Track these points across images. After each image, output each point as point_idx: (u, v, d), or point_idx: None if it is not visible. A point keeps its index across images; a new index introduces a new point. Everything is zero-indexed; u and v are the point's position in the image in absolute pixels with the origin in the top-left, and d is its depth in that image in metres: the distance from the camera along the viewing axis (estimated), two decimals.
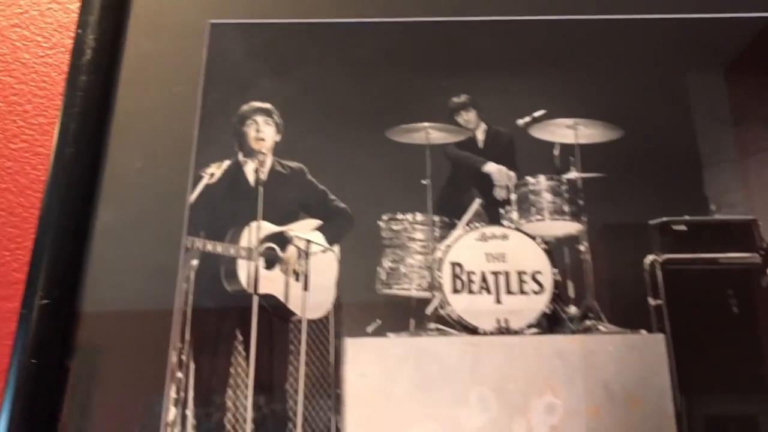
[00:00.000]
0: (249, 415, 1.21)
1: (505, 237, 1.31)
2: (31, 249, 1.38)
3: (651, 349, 1.22)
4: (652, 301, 1.25)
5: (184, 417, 1.21)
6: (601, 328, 1.25)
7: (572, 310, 1.27)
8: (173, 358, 1.24)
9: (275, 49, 1.48)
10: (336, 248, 1.31)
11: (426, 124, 1.38)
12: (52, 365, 1.23)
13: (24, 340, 1.24)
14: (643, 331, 1.23)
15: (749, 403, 1.20)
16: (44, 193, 1.33)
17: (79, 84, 1.41)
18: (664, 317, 1.24)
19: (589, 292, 1.27)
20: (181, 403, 1.21)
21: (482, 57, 1.44)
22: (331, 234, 1.33)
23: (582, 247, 1.30)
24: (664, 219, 1.31)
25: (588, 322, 1.26)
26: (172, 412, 1.21)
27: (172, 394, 1.22)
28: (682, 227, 1.30)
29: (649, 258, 1.28)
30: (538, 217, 1.34)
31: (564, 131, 1.38)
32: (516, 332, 1.25)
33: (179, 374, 1.24)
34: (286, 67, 1.46)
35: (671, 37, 1.42)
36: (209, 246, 1.31)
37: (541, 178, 1.36)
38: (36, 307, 1.25)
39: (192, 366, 1.24)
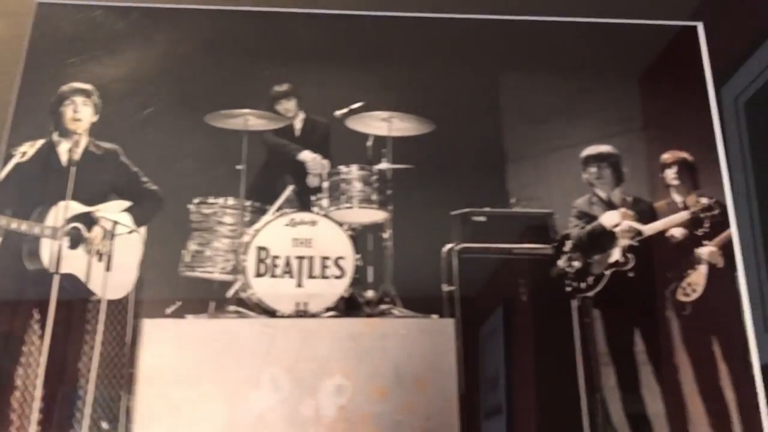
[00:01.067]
0: (38, 393, 1.20)
1: (313, 223, 1.34)
2: None
3: (441, 332, 1.27)
4: (446, 287, 1.31)
5: None
6: (395, 312, 1.30)
7: (370, 294, 1.31)
8: None
9: (101, 30, 1.47)
10: (143, 230, 1.32)
11: (246, 110, 1.40)
12: None
13: None
14: (435, 316, 1.29)
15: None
16: None
17: None
18: (455, 303, 1.30)
19: (388, 278, 1.32)
20: None
21: (307, 49, 1.48)
22: (140, 215, 1.33)
23: (385, 235, 1.35)
24: (465, 210, 1.37)
25: (384, 307, 1.30)
26: None
27: None
28: (482, 218, 1.37)
29: (447, 246, 1.33)
30: (348, 204, 1.38)
31: (379, 124, 1.42)
32: (314, 315, 1.28)
33: None
34: (110, 49, 1.46)
35: (486, 38, 1.48)
36: (14, 224, 1.30)
37: (353, 168, 1.40)
38: None
39: None
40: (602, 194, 1.40)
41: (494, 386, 1.26)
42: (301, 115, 1.43)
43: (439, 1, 1.50)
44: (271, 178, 1.38)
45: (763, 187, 1.40)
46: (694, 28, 1.53)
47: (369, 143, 1.41)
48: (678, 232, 1.38)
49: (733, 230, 1.37)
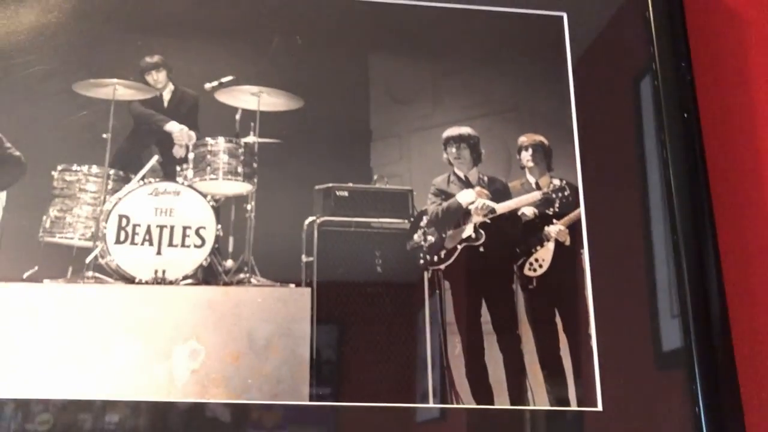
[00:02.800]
0: None
1: (177, 193, 1.37)
2: None
3: (297, 301, 1.32)
4: (304, 258, 1.36)
5: None
6: (253, 281, 1.34)
7: (228, 263, 1.35)
8: None
9: None
10: (2, 195, 1.32)
11: (115, 80, 1.42)
12: None
13: None
14: (292, 285, 1.34)
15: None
16: None
17: None
18: (313, 273, 1.35)
19: (248, 249, 1.36)
20: None
21: (179, 20, 1.49)
22: (0, 181, 1.33)
23: (249, 207, 1.39)
24: (329, 185, 1.42)
25: (242, 275, 1.34)
26: None
27: None
28: (344, 193, 1.42)
29: (309, 219, 1.38)
30: (213, 176, 1.41)
31: (248, 98, 1.45)
32: (171, 282, 1.31)
33: None
34: None
35: (357, 18, 1.53)
36: None
37: (220, 140, 1.43)
38: None
39: None
40: (460, 173, 1.47)
41: (344, 353, 1.32)
42: (170, 87, 1.45)
43: None
44: (137, 148, 1.40)
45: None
46: (561, 17, 1.61)
47: (237, 117, 1.44)
48: (529, 211, 1.47)
49: (582, 210, 1.46)
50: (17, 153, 1.35)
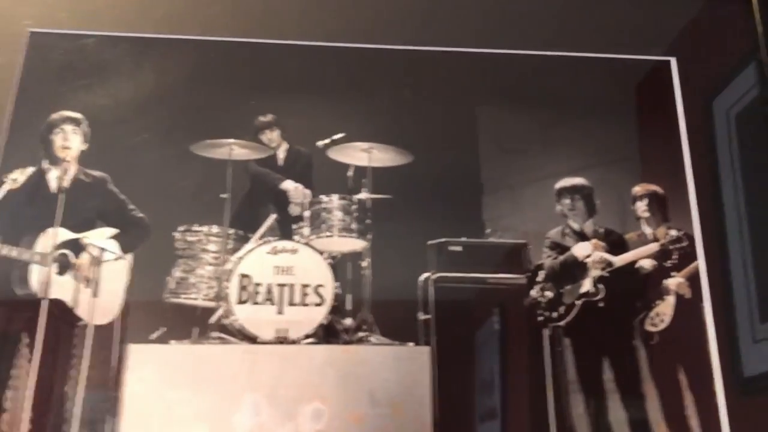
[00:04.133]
0: (27, 415, 1.24)
1: (294, 251, 1.39)
2: None
3: (416, 360, 1.32)
4: (422, 316, 1.35)
5: None
6: (372, 339, 1.34)
7: (348, 322, 1.36)
8: None
9: (91, 60, 1.51)
10: (129, 256, 1.36)
11: (230, 140, 1.45)
12: None
13: None
14: (411, 344, 1.33)
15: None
16: None
17: None
18: (430, 331, 1.34)
19: (366, 306, 1.36)
20: None
21: (290, 79, 1.52)
22: (126, 242, 1.37)
23: (364, 263, 1.40)
24: (442, 240, 1.41)
25: (361, 334, 1.35)
26: None
27: None
28: (458, 248, 1.41)
29: (424, 275, 1.38)
30: (328, 233, 1.42)
31: (359, 154, 1.47)
32: (293, 342, 1.33)
33: None
34: (100, 78, 1.50)
35: (464, 70, 1.53)
36: (4, 250, 1.34)
37: (334, 197, 1.45)
38: None
39: None
40: (575, 225, 1.44)
41: (467, 415, 1.31)
42: (285, 145, 1.48)
43: (419, 34, 1.55)
44: (254, 206, 1.43)
45: (753, 200, 1.43)
46: (668, 62, 1.58)
47: (350, 173, 1.46)
48: (647, 264, 1.43)
49: (701, 263, 1.41)
50: (140, 214, 1.39)
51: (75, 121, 1.45)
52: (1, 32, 1.52)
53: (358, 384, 1.31)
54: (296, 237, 1.42)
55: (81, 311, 1.33)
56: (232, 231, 1.40)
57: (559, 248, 1.43)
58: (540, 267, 1.42)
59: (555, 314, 1.38)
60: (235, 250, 1.39)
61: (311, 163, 1.46)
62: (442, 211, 1.45)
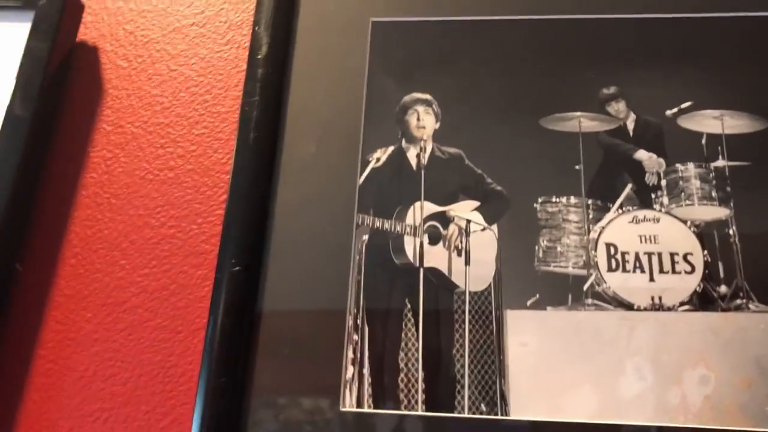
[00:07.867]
0: (420, 375, 1.33)
1: (656, 220, 1.39)
2: (215, 223, 1.54)
3: None
4: None
5: (360, 375, 1.34)
6: (751, 306, 1.32)
7: (723, 289, 1.34)
8: (349, 322, 1.38)
9: (433, 44, 1.60)
10: (494, 227, 1.42)
11: (578, 113, 1.48)
12: (241, 322, 1.38)
13: (217, 300, 1.39)
14: None
15: None
16: (231, 173, 1.48)
17: (257, 76, 1.56)
18: None
19: (740, 274, 1.34)
20: (357, 363, 1.35)
21: (627, 51, 1.53)
22: (489, 214, 1.44)
23: (731, 231, 1.38)
24: None
25: (738, 301, 1.33)
26: (350, 371, 1.34)
27: (350, 354, 1.36)
28: None
29: None
30: (688, 202, 1.41)
31: (711, 122, 1.45)
32: (669, 309, 1.33)
33: (355, 336, 1.37)
34: (443, 61, 1.58)
35: None
36: (378, 223, 1.44)
37: (690, 166, 1.44)
38: (228, 273, 1.40)
39: (366, 329, 1.37)
40: None
41: None
42: (632, 116, 1.49)
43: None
44: (609, 177, 1.45)
45: None
46: None
47: (703, 141, 1.44)
48: None
49: None
50: (499, 188, 1.45)
51: (426, 102, 1.54)
52: (346, 24, 1.64)
53: (742, 350, 1.29)
54: (656, 206, 1.43)
55: (456, 278, 1.41)
56: (590, 201, 1.43)
57: None
58: None
59: None
60: (596, 219, 1.42)
61: (662, 132, 1.46)
62: None
